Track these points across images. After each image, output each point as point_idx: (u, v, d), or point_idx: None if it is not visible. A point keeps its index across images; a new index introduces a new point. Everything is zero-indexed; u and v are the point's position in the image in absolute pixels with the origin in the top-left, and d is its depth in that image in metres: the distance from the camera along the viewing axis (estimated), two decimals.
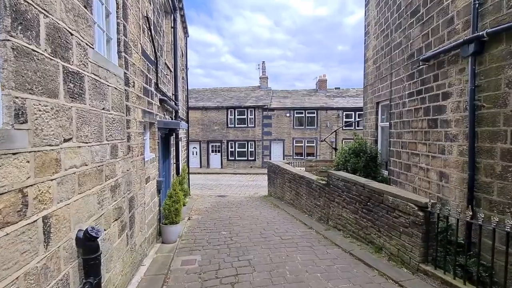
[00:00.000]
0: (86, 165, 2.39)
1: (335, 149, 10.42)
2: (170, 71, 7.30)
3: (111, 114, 2.96)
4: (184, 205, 7.12)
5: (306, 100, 23.43)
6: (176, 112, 7.51)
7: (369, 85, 8.16)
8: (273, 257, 4.46)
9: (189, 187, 11.61)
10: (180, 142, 9.44)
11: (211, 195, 12.30)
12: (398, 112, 6.23)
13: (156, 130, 5.28)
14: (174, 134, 7.46)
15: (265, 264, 4.20)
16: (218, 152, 23.16)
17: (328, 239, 5.34)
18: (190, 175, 15.35)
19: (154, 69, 5.15)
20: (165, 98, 5.78)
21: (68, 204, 2.08)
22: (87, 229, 2.19)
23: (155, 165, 5.13)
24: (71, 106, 2.14)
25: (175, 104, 7.40)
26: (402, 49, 6.08)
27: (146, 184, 4.48)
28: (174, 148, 7.67)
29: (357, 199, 5.11)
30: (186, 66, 11.72)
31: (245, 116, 22.74)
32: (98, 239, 2.28)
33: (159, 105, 5.57)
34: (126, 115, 3.53)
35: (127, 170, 3.49)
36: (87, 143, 2.39)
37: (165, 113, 6.27)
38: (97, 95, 2.62)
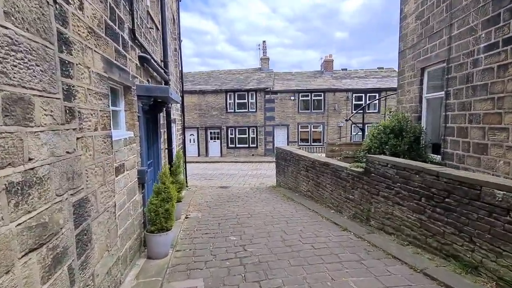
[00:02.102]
0: None
1: (363, 129, 8.90)
2: (157, 28, 5.59)
3: (2, 27, 1.35)
4: (179, 201, 5.61)
5: (312, 82, 21.68)
6: (166, 83, 5.86)
7: (409, 48, 6.52)
8: (313, 283, 2.97)
9: (186, 177, 10.10)
10: (173, 125, 7.84)
11: (211, 186, 10.82)
12: (464, 75, 4.64)
13: (135, 98, 3.67)
14: (164, 110, 5.84)
15: None
16: (217, 139, 21.56)
17: (378, 248, 3.87)
18: (187, 164, 13.82)
19: (127, 7, 3.48)
20: (148, 57, 4.14)
21: None
22: None
23: (134, 148, 3.55)
24: None
25: (165, 73, 5.74)
26: None
27: (117, 176, 2.92)
28: (166, 130, 6.07)
29: (424, 193, 3.60)
30: (179, 37, 9.94)
31: (246, 100, 21.01)
32: None
33: (138, 64, 3.93)
34: (61, 51, 1.91)
35: (67, 153, 1.92)
36: None
37: (149, 79, 4.63)
38: None
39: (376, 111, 19.82)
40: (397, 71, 7.13)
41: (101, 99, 2.53)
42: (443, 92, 5.26)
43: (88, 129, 2.27)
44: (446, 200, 3.29)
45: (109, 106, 2.70)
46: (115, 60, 2.96)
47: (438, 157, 5.46)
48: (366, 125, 20.75)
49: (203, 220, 5.70)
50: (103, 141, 2.53)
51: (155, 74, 5.03)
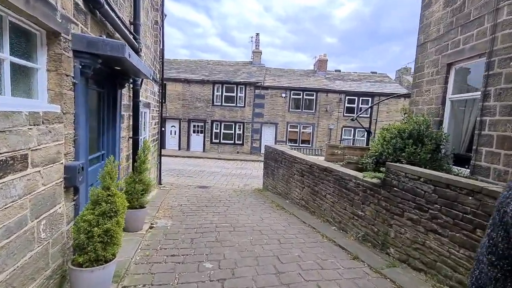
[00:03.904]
0: None
1: (369, 132, 7.91)
2: None
3: None
4: (142, 207, 4.33)
5: (304, 81, 20.74)
6: (136, 53, 4.51)
7: (432, 41, 5.56)
8: None
9: (160, 173, 8.73)
10: (147, 110, 6.47)
11: (189, 185, 9.50)
12: None
13: (68, 54, 2.35)
14: (130, 88, 4.51)
15: None
16: (201, 133, 20.10)
17: None
18: (166, 158, 12.43)
19: None
20: (101, 0, 2.80)
21: None
22: None
23: (57, 131, 2.23)
24: None
25: (135, 39, 4.40)
26: None
27: (2, 177, 1.62)
28: (131, 113, 4.72)
29: (482, 222, 2.57)
30: (162, 10, 8.51)
31: (234, 94, 19.70)
32: None
33: (81, 5, 2.60)
34: None
35: None
36: None
37: (103, 36, 3.29)
38: None
39: (367, 116, 19.18)
40: (414, 67, 6.18)
41: None
42: (479, 93, 4.31)
43: None
44: None
45: None
46: None
47: (465, 171, 4.53)
48: (357, 130, 20.24)
49: (172, 233, 4.43)
50: None
51: (116, 34, 3.68)
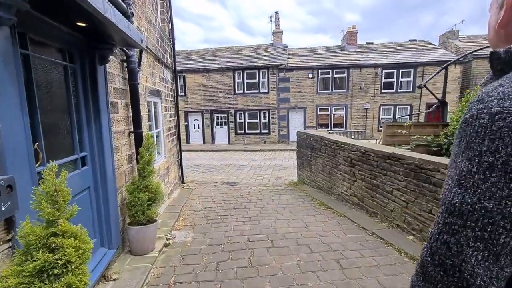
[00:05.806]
0: None
1: (443, 102, 6.22)
2: None
3: None
4: (151, 222, 3.31)
5: (332, 58, 18.68)
6: (127, 17, 3.36)
7: None
8: None
9: (182, 171, 7.81)
10: (157, 99, 5.43)
11: (215, 182, 8.50)
12: None
13: None
14: (121, 63, 3.42)
15: None
16: (225, 124, 19.12)
17: None
18: (191, 153, 11.62)
19: None
20: None
21: None
22: None
23: None
24: None
25: (125, 2, 3.26)
26: None
27: None
28: (129, 101, 3.64)
29: None
30: None
31: (257, 80, 18.31)
32: None
33: None
34: None
35: None
36: None
37: None
38: None
39: (410, 90, 16.82)
40: None
41: None
42: None
43: None
44: None
45: None
46: None
47: None
48: (397, 107, 17.91)
49: (192, 253, 3.36)
50: None
51: None
